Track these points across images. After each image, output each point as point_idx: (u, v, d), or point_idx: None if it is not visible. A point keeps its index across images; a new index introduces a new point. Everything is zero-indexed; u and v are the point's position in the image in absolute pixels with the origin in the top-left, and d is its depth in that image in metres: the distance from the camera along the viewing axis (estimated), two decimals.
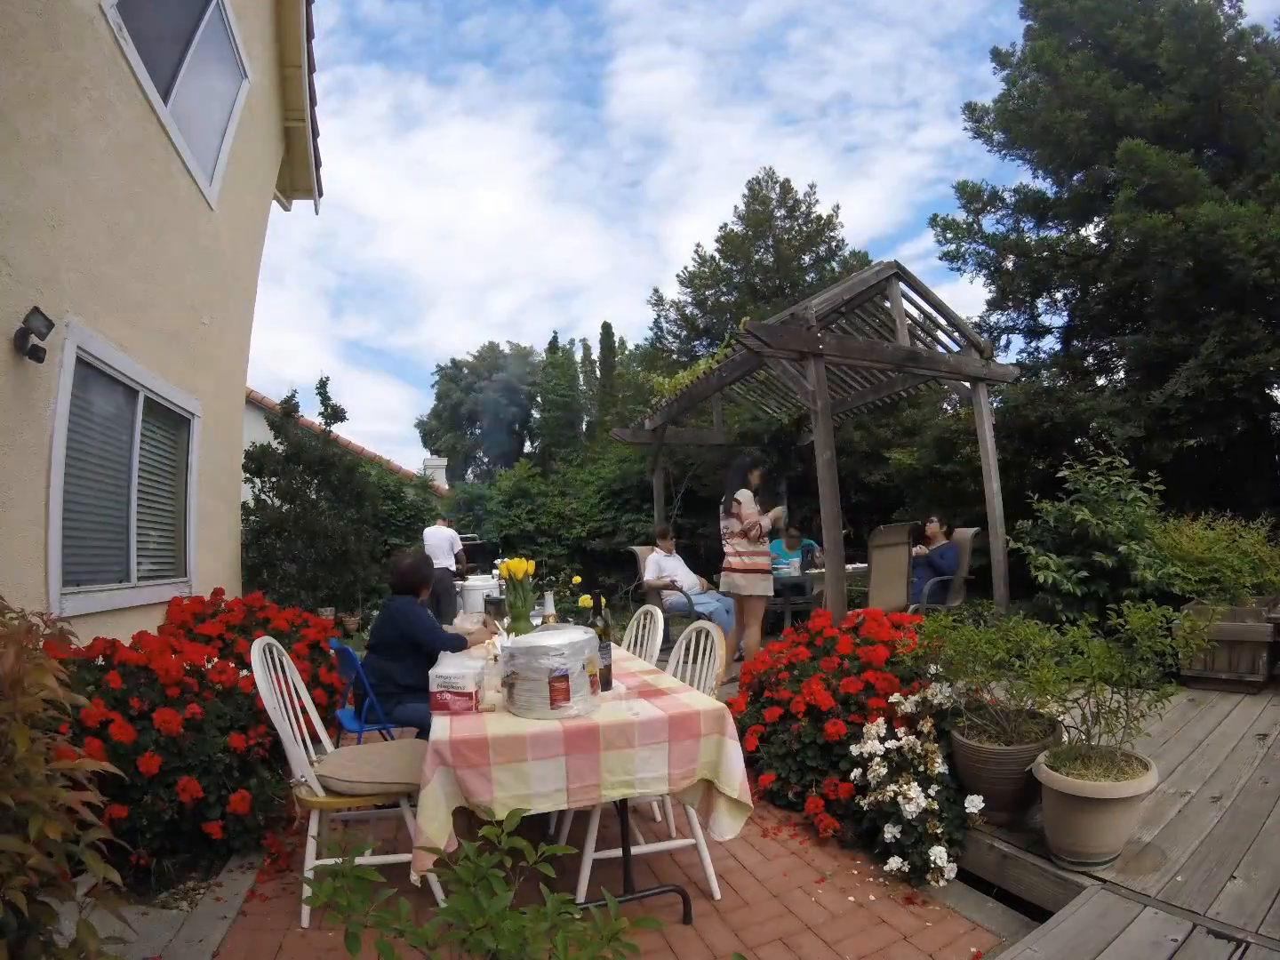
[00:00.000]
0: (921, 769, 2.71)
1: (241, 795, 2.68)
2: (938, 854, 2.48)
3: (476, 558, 8.03)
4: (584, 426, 20.06)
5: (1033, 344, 10.35)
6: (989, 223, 10.00)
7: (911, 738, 2.81)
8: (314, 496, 6.92)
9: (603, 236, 53.24)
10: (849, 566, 6.00)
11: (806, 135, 47.35)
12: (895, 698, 2.99)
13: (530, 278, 56.45)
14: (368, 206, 57.25)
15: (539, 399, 22.33)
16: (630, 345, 20.39)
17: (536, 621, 3.47)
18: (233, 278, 5.77)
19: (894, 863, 2.56)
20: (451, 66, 54.08)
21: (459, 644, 3.19)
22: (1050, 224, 9.86)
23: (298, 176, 7.32)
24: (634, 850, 2.41)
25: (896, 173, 46.17)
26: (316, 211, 7.89)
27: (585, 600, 2.98)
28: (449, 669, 2.37)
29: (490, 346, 27.26)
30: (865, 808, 2.77)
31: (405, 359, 54.87)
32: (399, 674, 3.13)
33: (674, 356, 14.13)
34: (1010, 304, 10.15)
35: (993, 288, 10.12)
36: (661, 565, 6.50)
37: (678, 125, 52.44)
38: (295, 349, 47.29)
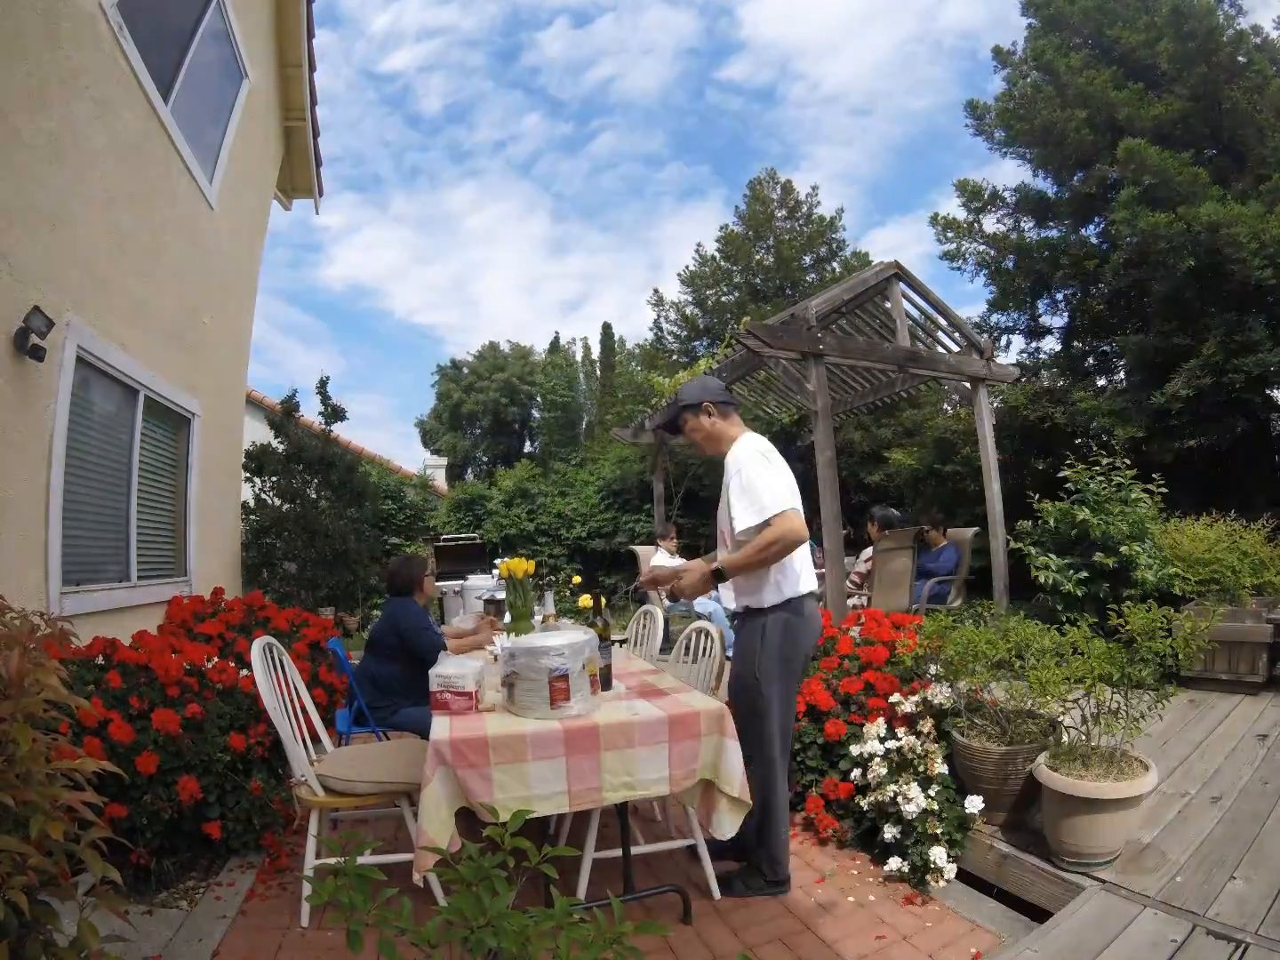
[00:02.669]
0: (921, 769, 2.70)
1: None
2: (937, 854, 2.48)
3: (476, 558, 8.02)
4: (584, 426, 20.08)
5: (1033, 344, 10.37)
6: (989, 222, 10.01)
7: (911, 738, 2.81)
8: (314, 496, 6.92)
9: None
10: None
11: None
12: (895, 698, 2.98)
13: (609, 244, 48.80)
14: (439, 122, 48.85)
15: (539, 399, 22.34)
16: (630, 345, 20.40)
17: (537, 621, 3.47)
18: (233, 277, 5.77)
19: (894, 863, 2.56)
20: None
21: (438, 643, 3.16)
22: (1051, 224, 9.86)
23: (298, 176, 7.33)
24: (634, 850, 2.41)
25: None
26: (317, 211, 7.90)
27: (585, 600, 2.98)
28: (449, 669, 2.37)
29: (491, 346, 27.24)
30: (865, 808, 2.77)
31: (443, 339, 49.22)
32: (396, 678, 3.13)
33: (674, 356, 14.15)
34: (1010, 304, 10.15)
35: (993, 288, 10.12)
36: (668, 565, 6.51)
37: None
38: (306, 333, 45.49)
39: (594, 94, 45.80)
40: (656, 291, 14.69)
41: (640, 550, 7.14)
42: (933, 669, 3.02)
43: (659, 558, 6.60)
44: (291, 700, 2.61)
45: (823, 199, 13.80)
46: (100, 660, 2.88)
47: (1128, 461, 5.11)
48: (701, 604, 6.05)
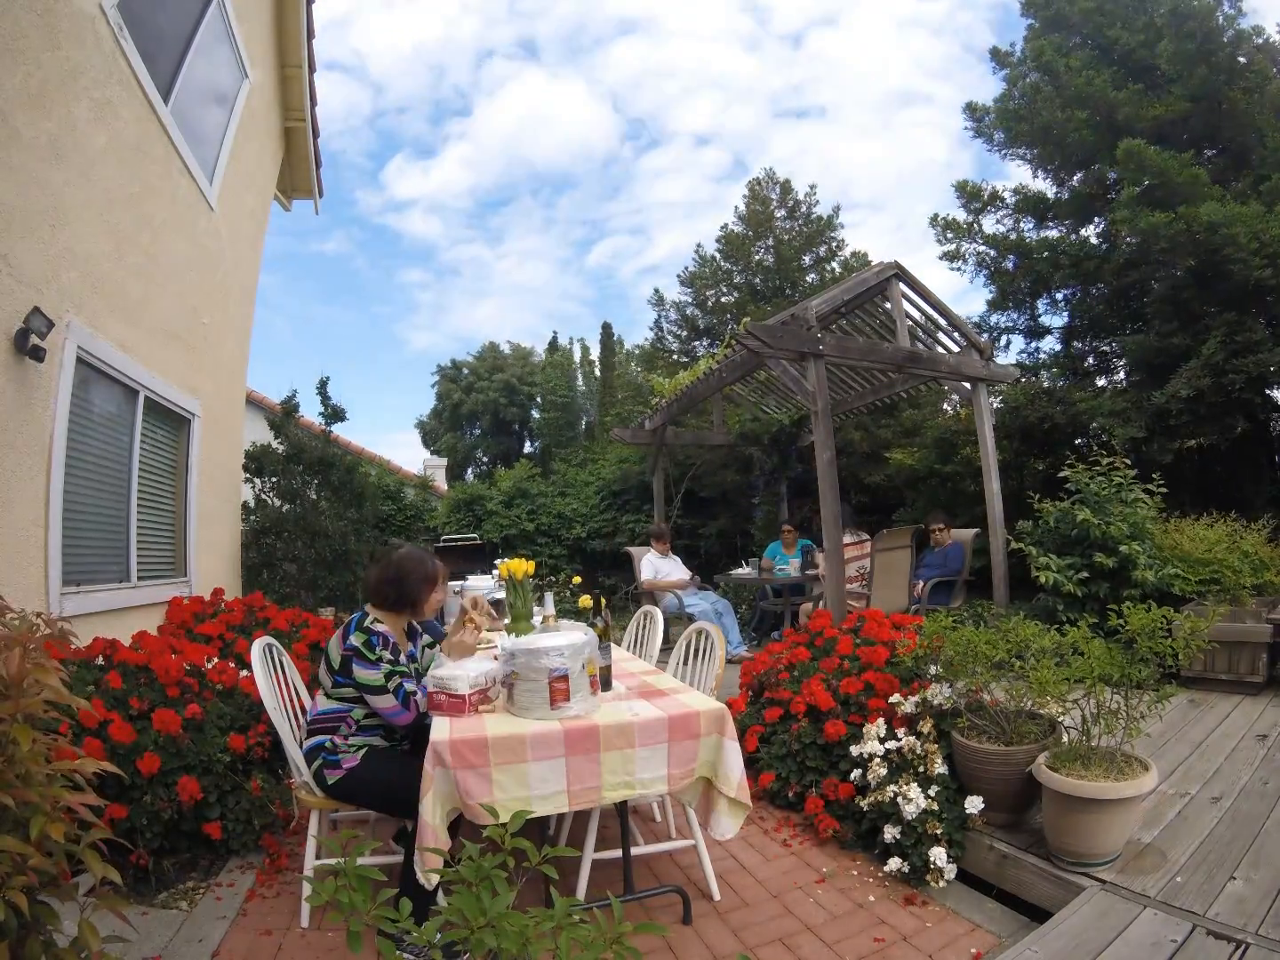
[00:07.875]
0: (921, 770, 2.71)
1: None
2: (937, 855, 2.48)
3: (476, 558, 8.02)
4: (584, 427, 20.07)
5: (1033, 344, 10.34)
6: (989, 223, 10.00)
7: (911, 738, 2.81)
8: (314, 497, 6.92)
9: None
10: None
11: None
12: (895, 698, 2.99)
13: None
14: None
15: (539, 399, 22.33)
16: (630, 345, 20.39)
17: (536, 622, 3.46)
18: (233, 278, 5.77)
19: (894, 863, 2.56)
20: None
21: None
22: (1050, 224, 9.85)
23: (298, 177, 7.33)
24: (634, 851, 2.41)
25: None
26: (317, 211, 7.90)
27: (585, 601, 2.97)
28: (445, 671, 2.37)
29: (491, 346, 27.24)
30: (865, 808, 2.77)
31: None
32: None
33: (674, 357, 14.14)
34: (1010, 304, 10.14)
35: (993, 288, 10.11)
36: (657, 566, 6.48)
37: None
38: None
39: None
40: (657, 291, 14.70)
41: (634, 551, 7.12)
42: (933, 669, 3.02)
43: (650, 558, 6.56)
44: (291, 701, 2.61)
45: (820, 198, 13.79)
46: (100, 661, 2.88)
47: (1128, 461, 5.11)
48: (691, 604, 6.05)
